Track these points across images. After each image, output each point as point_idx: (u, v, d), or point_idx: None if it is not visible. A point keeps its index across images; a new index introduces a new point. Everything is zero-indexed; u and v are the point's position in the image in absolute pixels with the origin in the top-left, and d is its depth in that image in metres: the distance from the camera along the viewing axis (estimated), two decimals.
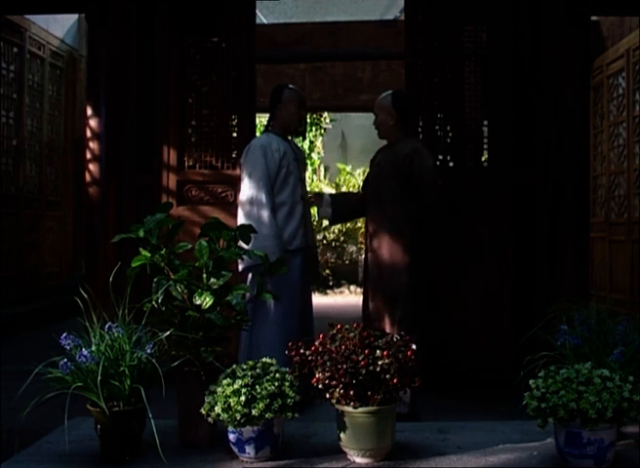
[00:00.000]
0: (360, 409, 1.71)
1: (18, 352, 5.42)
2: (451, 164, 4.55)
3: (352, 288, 10.74)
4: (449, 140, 4.57)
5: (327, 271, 10.75)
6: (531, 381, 1.78)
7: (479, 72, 4.62)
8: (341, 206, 3.83)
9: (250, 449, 1.76)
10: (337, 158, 12.39)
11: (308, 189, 4.37)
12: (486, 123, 4.59)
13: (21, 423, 1.75)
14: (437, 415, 3.32)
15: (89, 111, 4.73)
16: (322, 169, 12.13)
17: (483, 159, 4.65)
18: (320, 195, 3.90)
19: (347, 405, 1.72)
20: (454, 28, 4.58)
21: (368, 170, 3.89)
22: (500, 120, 4.47)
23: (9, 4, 5.17)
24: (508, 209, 4.41)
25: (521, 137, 4.45)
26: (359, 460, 1.77)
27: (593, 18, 5.48)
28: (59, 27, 8.06)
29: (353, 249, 11.09)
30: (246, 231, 1.94)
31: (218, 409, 1.71)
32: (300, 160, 3.96)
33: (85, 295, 1.85)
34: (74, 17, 8.30)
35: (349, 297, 10.23)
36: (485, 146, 4.59)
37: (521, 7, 4.48)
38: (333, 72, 8.45)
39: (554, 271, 4.38)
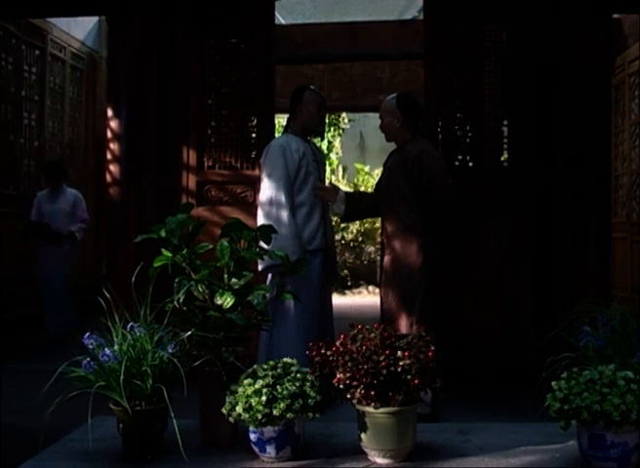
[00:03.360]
0: (381, 410, 1.71)
1: (38, 351, 5.50)
2: (470, 164, 4.53)
3: (370, 288, 10.73)
4: (468, 140, 4.56)
5: (345, 271, 10.74)
6: (553, 383, 1.76)
7: (499, 72, 4.59)
8: (355, 204, 3.81)
9: (271, 449, 1.77)
10: (355, 158, 12.37)
11: None
12: (506, 123, 4.57)
13: (46, 421, 1.76)
14: (456, 416, 3.32)
15: (109, 112, 4.77)
16: (340, 169, 12.12)
17: (502, 159, 4.63)
18: (334, 190, 3.86)
19: (368, 405, 1.71)
20: (473, 28, 4.57)
21: (382, 172, 3.89)
22: (521, 119, 4.44)
23: (31, 7, 5.23)
24: (529, 209, 4.38)
25: (542, 137, 4.42)
26: (380, 461, 1.77)
27: (614, 15, 5.42)
28: (79, 30, 8.14)
29: (371, 249, 11.06)
30: (266, 231, 1.94)
31: (239, 408, 1.71)
32: (320, 160, 3.97)
33: (107, 295, 1.86)
34: (94, 19, 8.38)
35: (367, 298, 10.21)
36: (505, 146, 4.56)
37: (542, 5, 4.45)
38: (352, 72, 8.45)
39: (575, 272, 4.34)
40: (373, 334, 1.75)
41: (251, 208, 4.37)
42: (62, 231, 6.27)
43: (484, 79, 4.60)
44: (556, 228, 4.40)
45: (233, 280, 1.83)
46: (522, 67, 4.44)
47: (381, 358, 1.68)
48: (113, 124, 4.71)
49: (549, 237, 4.39)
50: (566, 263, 4.37)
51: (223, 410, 1.77)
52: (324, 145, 11.09)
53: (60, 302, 6.27)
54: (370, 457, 1.79)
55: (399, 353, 1.70)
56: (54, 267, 6.25)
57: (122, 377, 1.71)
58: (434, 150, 3.58)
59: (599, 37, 4.41)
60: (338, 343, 1.76)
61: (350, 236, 11.00)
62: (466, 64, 4.55)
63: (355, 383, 1.69)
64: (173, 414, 1.75)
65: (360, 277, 10.98)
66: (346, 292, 10.60)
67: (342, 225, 10.55)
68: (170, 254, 1.85)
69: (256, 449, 1.80)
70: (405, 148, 3.56)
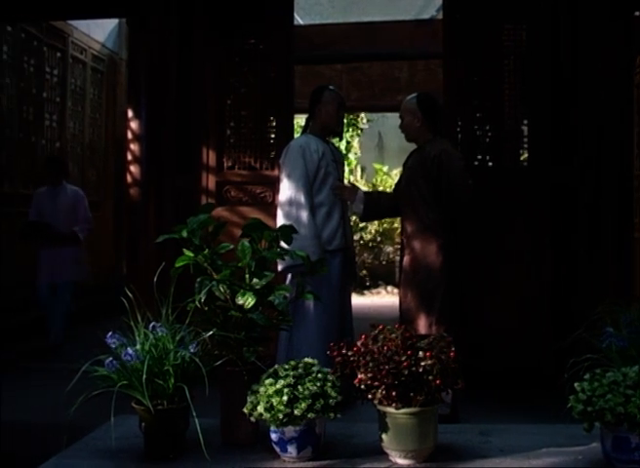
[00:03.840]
0: (402, 411, 1.70)
1: (55, 350, 5.56)
2: (490, 164, 4.51)
3: (389, 288, 10.70)
4: (487, 140, 4.53)
5: (364, 271, 10.72)
6: (576, 384, 1.75)
7: (518, 71, 4.56)
8: (374, 204, 3.80)
9: (292, 449, 1.77)
10: (373, 158, 12.35)
11: None
12: (525, 122, 4.54)
13: (69, 420, 1.78)
14: (475, 417, 3.30)
15: (129, 113, 4.81)
16: (359, 169, 12.11)
17: (522, 158, 4.60)
18: (353, 189, 3.85)
19: (389, 406, 1.71)
20: (492, 27, 4.55)
21: (401, 172, 3.88)
22: (540, 119, 4.41)
23: (53, 10, 5.28)
24: (548, 208, 4.36)
25: (560, 137, 4.39)
26: (401, 462, 1.76)
27: (636, 13, 5.37)
28: (100, 32, 8.22)
29: (390, 249, 11.04)
30: (287, 232, 1.95)
31: (260, 408, 1.72)
32: (339, 161, 3.97)
33: (130, 295, 1.87)
34: (115, 21, 8.46)
35: (386, 298, 10.19)
36: (524, 146, 4.53)
37: (561, 3, 4.42)
38: (370, 72, 8.44)
39: (595, 272, 4.30)
40: (394, 335, 1.74)
41: (270, 208, 4.39)
42: (64, 231, 5.96)
43: (503, 78, 4.58)
44: (575, 228, 4.36)
45: (254, 280, 1.83)
46: (541, 66, 4.41)
47: (403, 358, 1.67)
48: (134, 125, 4.75)
49: (568, 237, 4.36)
50: (585, 263, 4.33)
51: (245, 410, 1.78)
52: (342, 145, 11.08)
53: (62, 310, 6.00)
54: (391, 458, 1.78)
55: (420, 353, 1.70)
56: (58, 271, 5.93)
57: (144, 377, 1.72)
58: (454, 150, 3.57)
59: (618, 35, 4.37)
60: (359, 343, 1.76)
61: (369, 236, 10.98)
62: (486, 64, 4.53)
63: (376, 384, 1.69)
64: (195, 414, 1.76)
65: (379, 277, 10.96)
66: (365, 292, 10.59)
67: (361, 225, 10.53)
68: (192, 255, 1.86)
69: (277, 449, 1.80)
70: (425, 148, 3.55)
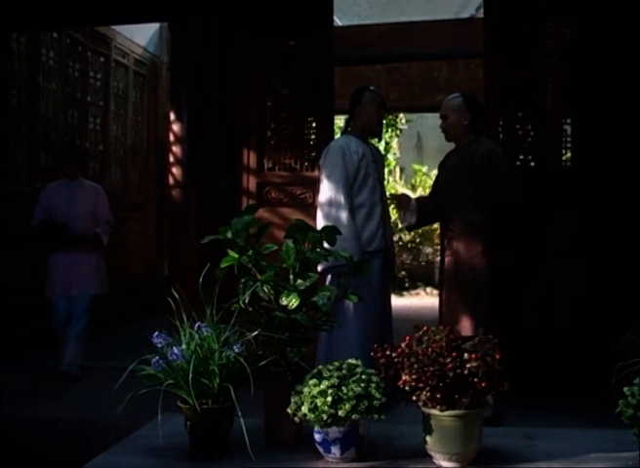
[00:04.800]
0: (447, 413, 1.69)
1: (101, 349, 5.66)
2: (532, 163, 4.44)
3: (428, 289, 10.64)
4: (530, 140, 4.47)
5: (403, 272, 10.67)
6: (625, 388, 1.72)
7: (561, 69, 4.49)
8: (423, 212, 3.78)
9: (335, 450, 1.77)
10: (412, 159, 12.29)
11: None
12: (568, 121, 4.46)
13: (117, 417, 1.81)
14: (519, 420, 3.26)
15: (172, 116, 4.88)
16: (398, 170, 12.06)
17: (564, 158, 4.52)
18: (407, 199, 3.82)
19: (434, 408, 1.70)
20: (535, 25, 4.48)
21: (437, 174, 3.84)
22: (586, 117, 4.33)
23: (97, 16, 5.38)
24: (595, 208, 4.27)
25: (608, 135, 4.30)
26: (445, 464, 1.75)
27: None
28: (141, 36, 8.36)
29: (429, 250, 10.97)
30: (331, 233, 1.96)
31: (304, 408, 1.73)
32: (379, 161, 3.96)
33: (175, 295, 1.90)
34: (156, 25, 8.59)
35: (425, 299, 10.13)
36: (567, 145, 4.46)
37: None
38: (409, 72, 8.41)
39: None
40: (438, 336, 1.73)
41: (310, 209, 4.40)
42: (83, 233, 4.93)
43: (545, 77, 4.51)
44: (622, 227, 4.27)
45: (299, 281, 1.84)
46: (587, 63, 4.32)
47: (448, 360, 1.66)
48: (176, 127, 4.81)
49: (617, 237, 4.26)
50: (633, 264, 4.23)
51: (289, 410, 1.79)
52: (381, 146, 11.05)
53: (80, 332, 4.95)
54: (435, 460, 1.77)
55: (465, 355, 1.69)
56: (76, 282, 4.90)
57: (191, 376, 1.74)
58: (500, 150, 3.54)
59: None
60: (403, 345, 1.75)
61: (408, 237, 10.92)
62: (527, 62, 4.47)
63: (421, 385, 1.68)
64: (239, 413, 1.78)
65: (418, 278, 10.90)
66: (404, 293, 10.54)
67: (400, 226, 10.49)
68: (236, 255, 1.88)
69: (320, 450, 1.81)
70: (469, 148, 3.52)
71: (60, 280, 4.88)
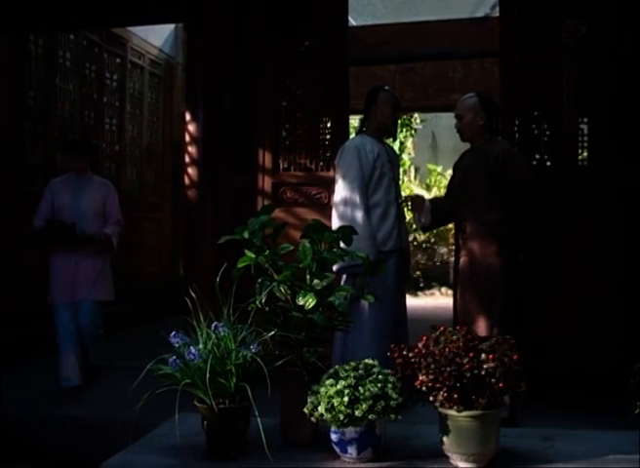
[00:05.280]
0: (464, 413, 1.69)
1: (117, 349, 5.69)
2: (548, 163, 4.41)
3: (443, 289, 10.61)
4: (546, 139, 4.44)
5: (417, 272, 10.65)
6: None
7: (577, 68, 4.45)
8: (437, 213, 3.77)
9: (352, 450, 1.77)
10: (427, 159, 12.26)
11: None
12: (585, 120, 4.43)
13: (134, 416, 1.82)
14: (536, 421, 3.23)
15: (187, 116, 4.89)
16: (412, 170, 12.03)
17: (581, 157, 4.49)
18: (421, 200, 3.82)
19: (451, 408, 1.70)
20: (551, 23, 4.44)
21: (452, 174, 3.83)
22: (603, 116, 4.29)
23: (114, 18, 5.42)
24: (613, 207, 4.23)
25: (626, 134, 4.26)
26: (462, 465, 1.75)
27: None
28: (157, 37, 8.40)
29: (444, 250, 10.94)
30: (347, 233, 1.96)
31: (321, 408, 1.73)
32: (394, 161, 3.96)
33: (193, 295, 1.91)
34: (171, 26, 8.63)
35: (440, 299, 10.10)
36: (584, 144, 4.42)
37: None
38: (423, 72, 8.38)
39: None
40: (455, 336, 1.73)
41: (325, 209, 4.39)
42: (92, 235, 4.48)
43: (562, 76, 4.47)
44: None
45: (315, 281, 1.84)
46: (605, 62, 4.28)
47: (465, 360, 1.66)
48: (191, 127, 4.82)
49: (635, 236, 4.21)
50: None
51: (305, 410, 1.79)
52: (396, 146, 11.03)
53: (88, 341, 4.52)
54: (452, 461, 1.77)
55: (483, 356, 1.68)
56: (80, 286, 4.47)
57: (208, 375, 1.75)
58: (515, 150, 3.53)
59: None
60: (420, 345, 1.75)
61: (422, 237, 10.90)
62: (543, 61, 4.43)
63: (438, 386, 1.68)
64: (256, 413, 1.78)
65: (432, 278, 10.87)
66: (419, 293, 10.52)
67: (414, 226, 10.47)
68: (253, 256, 1.89)
69: (337, 450, 1.81)
70: (484, 148, 3.51)
71: (62, 284, 4.44)
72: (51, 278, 4.50)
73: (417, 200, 3.84)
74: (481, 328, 3.33)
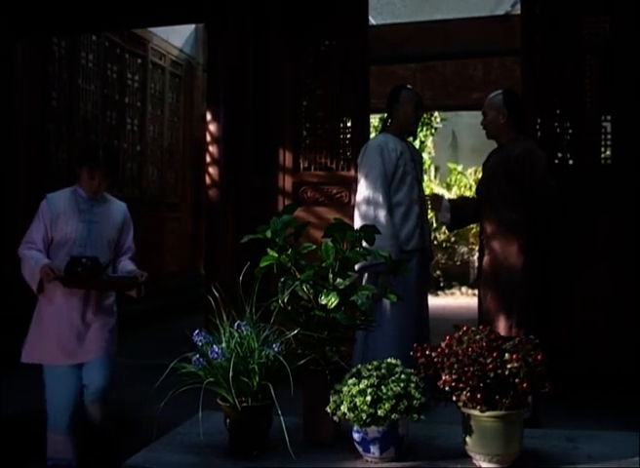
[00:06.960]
0: (487, 414, 1.68)
1: (139, 347, 5.73)
2: (570, 161, 4.38)
3: (463, 289, 10.55)
4: (568, 137, 4.40)
5: (438, 272, 10.60)
6: None
7: (600, 65, 4.41)
8: (460, 211, 3.75)
9: (374, 449, 1.77)
10: (447, 158, 12.19)
11: None
12: (609, 118, 4.38)
13: (158, 414, 1.84)
14: (559, 422, 3.21)
15: (208, 116, 4.92)
16: (433, 169, 11.98)
17: (604, 156, 4.44)
18: (439, 199, 3.81)
19: (474, 408, 1.69)
20: (573, 20, 4.40)
21: (482, 173, 3.81)
22: (627, 114, 4.24)
23: (135, 19, 5.46)
24: (635, 206, 4.18)
25: None
26: (485, 465, 1.74)
27: None
28: (177, 37, 8.44)
29: (464, 249, 10.88)
30: (370, 232, 1.95)
31: (344, 408, 1.73)
32: (417, 160, 3.95)
33: (216, 294, 1.92)
34: (192, 27, 8.67)
35: (461, 299, 10.05)
36: (607, 143, 4.38)
37: None
38: (444, 71, 8.35)
39: None
40: (478, 336, 1.72)
41: (346, 208, 4.40)
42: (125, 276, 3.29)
43: (584, 73, 4.43)
44: None
45: (338, 280, 1.85)
46: (628, 59, 4.23)
47: (489, 360, 1.65)
48: (212, 127, 4.85)
49: None
50: None
51: (328, 409, 1.79)
52: (416, 145, 10.98)
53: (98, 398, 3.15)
54: (475, 461, 1.76)
55: (506, 356, 1.67)
56: (93, 341, 3.16)
57: (231, 374, 1.76)
58: (539, 150, 3.48)
59: None
60: (443, 345, 1.75)
61: (443, 236, 10.85)
62: (565, 59, 4.39)
63: (461, 385, 1.67)
64: (279, 412, 1.79)
65: (453, 278, 10.82)
66: (439, 292, 10.47)
67: (435, 225, 10.43)
68: (276, 255, 1.89)
69: (359, 449, 1.81)
70: (507, 147, 3.48)
71: (60, 341, 3.13)
72: (37, 330, 3.17)
73: (433, 198, 3.83)
74: (501, 328, 3.30)
